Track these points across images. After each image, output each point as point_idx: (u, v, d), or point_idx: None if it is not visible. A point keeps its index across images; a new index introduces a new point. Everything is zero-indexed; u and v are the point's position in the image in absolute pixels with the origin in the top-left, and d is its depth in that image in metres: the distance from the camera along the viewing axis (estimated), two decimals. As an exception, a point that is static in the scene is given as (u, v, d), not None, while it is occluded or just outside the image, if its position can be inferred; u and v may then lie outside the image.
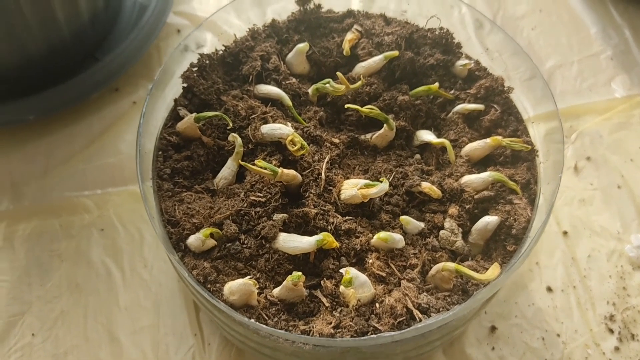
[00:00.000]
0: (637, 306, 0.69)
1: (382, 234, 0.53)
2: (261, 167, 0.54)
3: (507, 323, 0.68)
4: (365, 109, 0.58)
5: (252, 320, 0.48)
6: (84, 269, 0.70)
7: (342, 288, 0.52)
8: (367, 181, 0.55)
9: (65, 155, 0.76)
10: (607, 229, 0.74)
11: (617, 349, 0.67)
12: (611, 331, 0.68)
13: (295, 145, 0.56)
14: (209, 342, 0.66)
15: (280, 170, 0.54)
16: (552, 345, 0.67)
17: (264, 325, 0.47)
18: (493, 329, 0.68)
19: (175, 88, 0.62)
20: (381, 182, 0.55)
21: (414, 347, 0.55)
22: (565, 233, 0.74)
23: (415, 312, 0.49)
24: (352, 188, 0.56)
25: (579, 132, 0.81)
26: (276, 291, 0.52)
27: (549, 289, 0.70)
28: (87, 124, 0.79)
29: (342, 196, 0.56)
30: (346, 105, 0.59)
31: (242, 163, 0.55)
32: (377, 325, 0.50)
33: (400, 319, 0.50)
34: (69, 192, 0.74)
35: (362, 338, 0.47)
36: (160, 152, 0.58)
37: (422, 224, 0.56)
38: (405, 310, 0.50)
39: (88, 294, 0.69)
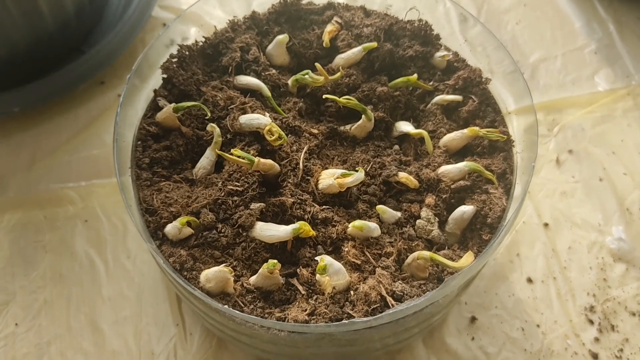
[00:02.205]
0: (618, 298, 0.70)
1: (357, 222, 0.53)
2: (238, 157, 0.54)
3: (488, 313, 0.69)
4: (342, 100, 0.58)
5: (227, 306, 0.48)
6: (67, 260, 0.71)
7: (317, 276, 0.53)
8: (344, 171, 0.56)
9: (50, 147, 0.77)
10: (588, 221, 0.75)
11: (597, 339, 0.68)
12: (591, 322, 0.69)
13: (273, 135, 0.56)
14: (191, 332, 0.67)
15: (257, 159, 0.54)
16: (532, 336, 0.68)
17: (239, 312, 0.48)
18: (473, 319, 0.68)
19: (157, 80, 0.63)
20: (357, 171, 0.55)
21: (390, 335, 0.55)
22: (546, 225, 0.74)
23: (389, 298, 0.50)
24: (330, 178, 0.56)
25: (562, 125, 0.81)
26: (252, 279, 0.53)
27: (530, 280, 0.71)
28: (72, 116, 0.79)
29: (320, 186, 0.57)
30: (324, 96, 0.59)
31: (219, 152, 0.55)
32: (351, 312, 0.50)
33: (375, 306, 0.50)
34: (54, 184, 0.75)
35: (336, 324, 0.47)
36: (139, 142, 0.58)
37: (398, 214, 0.57)
38: (379, 297, 0.51)
39: (72, 285, 0.69)
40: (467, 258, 0.52)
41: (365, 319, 0.47)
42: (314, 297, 0.52)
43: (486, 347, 0.67)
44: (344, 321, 0.48)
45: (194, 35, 0.67)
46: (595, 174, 0.78)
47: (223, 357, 0.66)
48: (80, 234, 0.72)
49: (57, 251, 0.71)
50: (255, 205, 0.55)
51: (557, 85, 0.85)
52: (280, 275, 0.53)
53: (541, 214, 0.75)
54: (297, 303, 0.52)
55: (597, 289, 0.71)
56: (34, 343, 0.66)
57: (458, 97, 0.62)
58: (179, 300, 0.68)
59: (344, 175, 0.55)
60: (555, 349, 0.67)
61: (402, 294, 0.51)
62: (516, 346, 0.67)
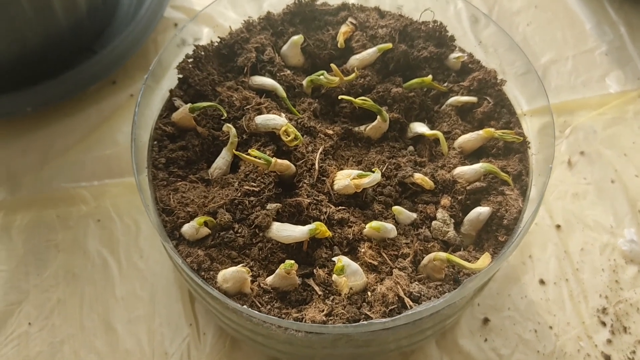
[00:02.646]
0: (630, 299, 0.70)
1: (374, 223, 0.53)
2: (255, 157, 0.54)
3: (500, 315, 0.69)
4: (358, 100, 0.58)
5: (245, 306, 0.48)
6: (80, 259, 0.71)
7: (334, 276, 0.53)
8: (360, 171, 0.56)
9: (62, 147, 0.77)
10: (600, 223, 0.75)
11: (609, 341, 0.68)
12: (603, 324, 0.69)
13: (289, 136, 0.57)
14: (204, 332, 0.67)
15: (274, 160, 0.54)
16: (545, 338, 0.68)
17: (257, 312, 0.48)
18: (486, 320, 0.68)
19: (170, 80, 0.63)
20: (374, 172, 0.55)
21: (406, 336, 0.55)
22: (558, 227, 0.74)
23: (407, 299, 0.50)
24: (346, 178, 0.56)
25: (573, 127, 0.81)
26: (269, 279, 0.53)
27: (542, 282, 0.71)
28: (84, 116, 0.79)
29: (336, 186, 0.57)
30: (340, 97, 0.59)
31: (236, 153, 0.55)
32: (368, 313, 0.50)
33: (392, 307, 0.50)
34: (67, 183, 0.75)
35: (354, 325, 0.47)
36: (155, 142, 0.58)
37: (414, 215, 0.57)
38: (396, 298, 0.51)
39: (84, 284, 0.69)
40: (484, 259, 0.52)
41: (384, 320, 0.47)
42: (331, 298, 0.52)
43: (499, 348, 0.67)
44: (362, 322, 0.48)
45: (206, 36, 0.67)
46: (607, 176, 0.78)
47: (237, 358, 0.66)
48: (92, 233, 0.72)
49: (69, 250, 0.71)
50: (271, 206, 0.55)
51: (568, 86, 0.85)
52: (296, 275, 0.53)
53: (553, 215, 0.75)
54: (313, 304, 0.52)
55: (609, 291, 0.71)
56: (47, 342, 0.67)
57: (473, 99, 0.62)
58: (192, 300, 0.68)
59: (360, 176, 0.55)
60: (568, 351, 0.67)
61: (419, 295, 0.51)
62: (529, 348, 0.67)
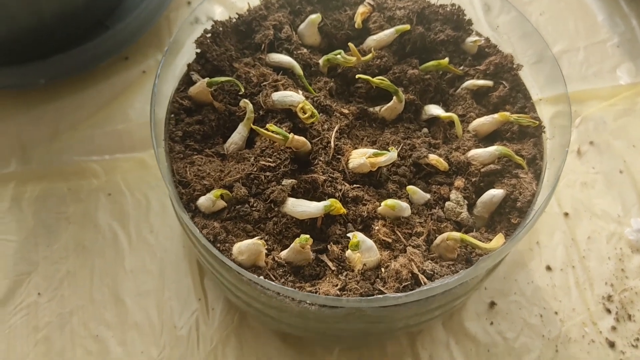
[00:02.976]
0: (635, 288, 0.71)
1: (390, 201, 0.54)
2: (273, 132, 0.54)
3: (506, 299, 0.69)
4: (376, 80, 0.58)
5: (262, 277, 0.49)
6: (90, 232, 0.71)
7: (348, 252, 0.53)
8: (376, 150, 0.56)
9: (74, 120, 0.77)
10: (607, 212, 0.75)
11: (614, 328, 0.68)
12: (608, 311, 0.69)
13: (305, 113, 0.57)
14: (213, 307, 0.67)
15: (291, 135, 0.55)
16: (550, 323, 0.68)
17: (273, 283, 0.48)
18: (492, 304, 0.69)
19: (183, 58, 0.62)
20: (390, 151, 0.55)
21: (416, 314, 0.55)
22: (566, 214, 0.75)
23: (421, 276, 0.50)
24: (361, 157, 0.57)
25: (583, 117, 0.82)
26: (284, 253, 0.53)
27: (549, 268, 0.72)
28: (96, 90, 0.79)
29: (350, 165, 0.57)
30: (357, 76, 0.60)
31: (254, 127, 0.55)
32: (382, 288, 0.51)
33: (405, 284, 0.51)
34: (78, 157, 0.75)
35: (368, 298, 0.48)
36: (172, 115, 0.58)
37: (428, 195, 0.57)
38: (410, 275, 0.51)
39: (94, 256, 0.70)
40: (498, 240, 0.53)
41: (398, 294, 0.48)
42: (344, 274, 0.52)
43: (504, 332, 0.68)
44: (377, 296, 0.48)
45: (219, 15, 0.67)
46: (615, 166, 0.78)
47: (245, 333, 0.66)
48: (103, 207, 0.72)
49: (80, 223, 0.71)
50: (287, 181, 0.55)
51: (579, 77, 0.86)
52: (310, 251, 0.53)
53: (562, 203, 0.76)
54: (327, 279, 0.53)
55: (614, 279, 0.71)
56: (56, 313, 0.67)
57: (489, 82, 0.62)
58: (202, 275, 0.69)
59: (376, 155, 0.55)
60: (572, 336, 0.68)
61: (432, 273, 0.52)
62: (534, 332, 0.68)
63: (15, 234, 0.71)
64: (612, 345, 0.67)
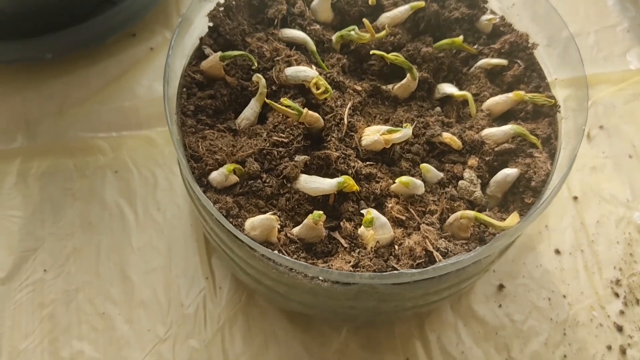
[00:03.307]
0: (643, 272, 0.70)
1: (404, 178, 0.53)
2: (286, 107, 0.54)
3: (515, 282, 0.69)
4: (390, 56, 0.58)
5: (276, 252, 0.48)
6: (97, 209, 0.70)
7: (361, 229, 0.53)
8: (390, 127, 0.56)
9: (81, 96, 0.76)
10: (616, 196, 0.75)
11: (622, 312, 0.68)
12: (617, 295, 0.69)
13: (319, 89, 0.56)
14: (220, 286, 0.67)
15: (305, 110, 0.54)
16: (558, 306, 0.68)
17: (287, 258, 0.48)
18: (501, 287, 0.69)
19: (194, 34, 0.61)
20: (404, 127, 0.55)
21: (425, 293, 0.55)
22: (575, 198, 0.75)
23: (435, 253, 0.50)
24: (374, 134, 0.56)
25: (593, 101, 0.81)
26: (296, 230, 0.53)
27: (557, 252, 0.71)
28: (103, 67, 0.78)
29: (364, 142, 0.57)
30: (372, 52, 0.59)
31: (267, 101, 0.55)
32: (395, 265, 0.50)
33: (419, 261, 0.50)
34: (84, 133, 0.74)
35: (383, 274, 0.47)
36: (184, 90, 0.57)
37: (441, 174, 0.57)
38: (424, 252, 0.51)
39: (101, 233, 0.69)
40: (513, 218, 0.52)
41: (414, 270, 0.47)
42: (357, 251, 0.52)
43: (512, 314, 0.68)
44: (392, 272, 0.48)
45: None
46: (625, 151, 0.78)
47: (252, 312, 0.66)
48: (110, 183, 0.72)
49: (86, 200, 0.71)
50: (300, 158, 0.55)
51: (589, 61, 0.85)
52: (323, 227, 0.53)
53: (571, 187, 0.75)
54: (339, 256, 0.52)
55: (623, 263, 0.71)
56: (62, 289, 0.66)
57: (503, 61, 0.62)
58: (209, 254, 0.68)
59: (390, 132, 0.55)
60: (580, 320, 0.68)
61: (446, 251, 0.51)
62: (542, 315, 0.68)
63: (21, 209, 0.70)
64: (620, 329, 0.67)
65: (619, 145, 0.78)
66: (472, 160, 0.57)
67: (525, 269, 0.70)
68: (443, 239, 0.52)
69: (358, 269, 0.50)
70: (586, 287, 0.69)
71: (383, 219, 0.52)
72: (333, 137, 0.56)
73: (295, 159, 0.55)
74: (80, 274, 0.67)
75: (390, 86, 0.62)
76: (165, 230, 0.70)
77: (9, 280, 0.66)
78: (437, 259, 0.50)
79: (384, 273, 0.48)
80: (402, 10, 0.62)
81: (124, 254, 0.68)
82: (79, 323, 0.65)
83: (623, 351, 0.66)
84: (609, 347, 0.66)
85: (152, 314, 0.65)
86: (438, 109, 0.62)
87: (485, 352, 0.65)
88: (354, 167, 0.55)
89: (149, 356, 0.64)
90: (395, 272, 0.47)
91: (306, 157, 0.55)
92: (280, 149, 0.55)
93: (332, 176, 0.55)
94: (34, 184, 0.71)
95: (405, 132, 0.54)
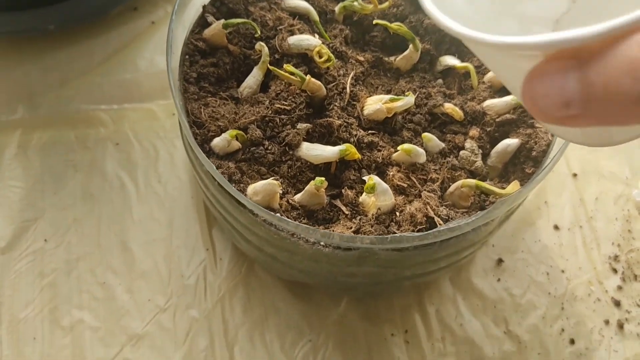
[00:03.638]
0: (641, 249, 0.71)
1: (406, 146, 0.53)
2: (290, 73, 0.54)
3: (514, 257, 0.70)
4: (394, 25, 0.58)
5: (278, 215, 0.48)
6: (98, 180, 0.70)
7: (362, 197, 0.53)
8: (392, 96, 0.56)
9: (82, 68, 0.76)
10: (615, 174, 0.75)
11: (619, 287, 0.69)
12: (615, 271, 0.70)
13: (321, 57, 0.56)
14: (221, 257, 0.67)
15: (307, 77, 0.54)
16: (556, 280, 0.69)
17: (290, 221, 0.48)
18: (500, 261, 0.69)
19: (195, 5, 0.61)
20: (407, 96, 0.55)
21: (425, 261, 0.55)
22: (574, 175, 0.75)
23: (437, 219, 0.50)
24: (377, 103, 0.56)
25: (594, 80, 0.82)
26: (298, 197, 0.53)
27: (556, 227, 0.72)
28: (105, 39, 0.78)
29: (366, 112, 0.57)
30: (375, 21, 0.59)
31: (271, 68, 0.55)
32: (397, 231, 0.51)
33: (420, 227, 0.51)
34: (86, 105, 0.74)
35: (384, 237, 0.47)
36: (187, 57, 0.57)
37: (442, 144, 0.57)
38: (425, 219, 0.51)
39: (102, 205, 0.69)
40: (513, 186, 0.53)
41: (416, 234, 0.48)
42: (358, 218, 0.52)
43: (511, 288, 0.68)
44: (394, 235, 0.48)
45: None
46: (625, 129, 0.78)
47: (252, 282, 0.66)
48: (111, 155, 0.72)
49: (87, 171, 0.71)
50: (302, 125, 0.55)
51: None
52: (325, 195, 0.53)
53: (570, 164, 0.75)
54: (341, 222, 0.52)
55: (621, 240, 0.71)
56: (63, 259, 0.66)
57: (505, 34, 0.62)
58: (210, 226, 0.68)
59: (392, 100, 0.55)
60: (578, 294, 0.68)
61: (447, 218, 0.52)
62: (541, 289, 0.68)
63: (21, 180, 0.70)
64: (617, 304, 0.68)
65: (619, 123, 0.79)
66: (474, 131, 0.57)
67: (524, 244, 0.70)
68: (444, 207, 0.53)
69: (359, 235, 0.50)
70: (584, 262, 0.70)
71: (385, 185, 0.52)
72: (335, 105, 0.56)
73: (298, 126, 0.55)
74: (81, 244, 0.67)
75: (392, 58, 0.62)
76: (166, 202, 0.70)
77: (9, 250, 0.67)
78: (438, 224, 0.50)
79: (385, 237, 0.48)
80: (405, -18, 0.62)
81: (125, 225, 0.68)
82: (79, 292, 0.65)
83: (620, 325, 0.67)
84: (607, 322, 0.67)
85: (153, 284, 0.66)
86: (440, 80, 0.62)
87: (483, 325, 0.66)
88: (355, 135, 0.55)
89: (149, 325, 0.64)
90: (396, 235, 0.48)
91: (308, 125, 0.55)
92: (283, 116, 0.55)
93: (334, 144, 0.55)
94: (34, 156, 0.71)
95: (408, 100, 0.55)
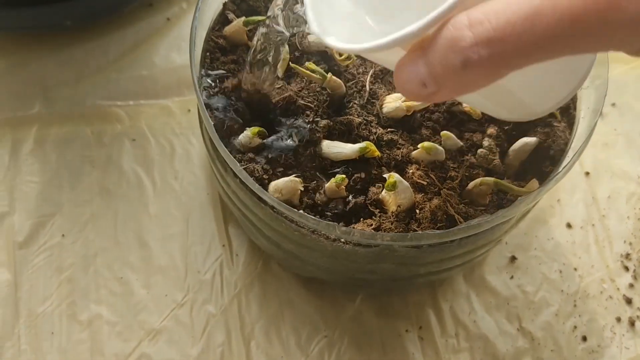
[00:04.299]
0: (653, 247, 0.72)
1: (427, 144, 0.54)
2: (311, 71, 0.54)
3: (527, 255, 0.70)
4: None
5: (300, 211, 0.49)
6: (115, 176, 0.71)
7: (382, 194, 0.53)
8: (412, 94, 0.56)
9: (99, 65, 0.76)
10: (627, 172, 0.76)
11: (631, 285, 0.69)
12: (626, 269, 0.70)
13: (341, 55, 0.57)
14: (237, 253, 0.68)
15: (329, 75, 0.55)
16: (569, 278, 0.69)
17: (312, 217, 0.48)
18: (513, 259, 0.70)
19: (215, 3, 0.62)
20: (427, 94, 0.55)
21: (441, 259, 0.56)
22: (587, 174, 0.75)
23: (457, 216, 0.51)
24: (396, 101, 0.56)
25: (604, 79, 0.81)
26: (319, 194, 0.53)
27: (569, 226, 0.72)
28: (121, 36, 0.78)
29: (385, 109, 0.57)
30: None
31: (292, 65, 0.55)
32: (417, 229, 0.51)
33: (440, 225, 0.51)
34: (102, 101, 0.74)
35: (405, 234, 0.48)
36: (207, 54, 0.58)
37: (460, 142, 0.57)
38: (445, 217, 0.52)
39: (118, 200, 0.70)
40: (532, 185, 0.53)
41: (438, 231, 0.48)
42: (378, 215, 0.53)
43: (524, 285, 0.69)
44: (415, 232, 0.49)
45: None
46: (636, 128, 0.79)
47: (268, 279, 0.67)
48: (127, 151, 0.72)
49: (104, 167, 0.71)
50: (322, 122, 0.55)
51: (602, 40, 0.86)
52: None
53: (583, 163, 0.76)
54: (361, 219, 0.53)
55: (633, 238, 0.72)
56: (80, 254, 0.67)
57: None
58: (226, 222, 0.69)
59: (412, 98, 0.55)
60: (590, 292, 0.69)
61: (466, 215, 0.52)
62: (553, 287, 0.69)
63: (38, 175, 0.70)
64: (629, 301, 0.68)
65: (631, 122, 0.79)
66: (492, 129, 0.58)
67: (537, 241, 0.71)
68: (462, 205, 0.53)
69: (380, 232, 0.51)
70: (597, 260, 0.70)
71: (405, 183, 0.52)
72: (355, 103, 0.57)
73: (319, 124, 0.55)
74: (99, 239, 0.68)
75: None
76: (183, 198, 0.70)
77: (27, 245, 0.67)
78: (458, 222, 0.50)
79: (405, 234, 0.48)
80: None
81: (142, 221, 0.69)
82: (97, 287, 0.66)
83: (632, 323, 0.67)
84: (618, 319, 0.68)
85: (170, 279, 0.66)
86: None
87: (496, 321, 0.66)
88: (375, 133, 0.56)
89: (166, 320, 0.65)
90: (417, 233, 0.48)
91: (329, 122, 0.55)
92: (307, 112, 0.55)
93: (354, 142, 0.55)
94: (51, 151, 0.72)
95: (427, 100, 0.55)
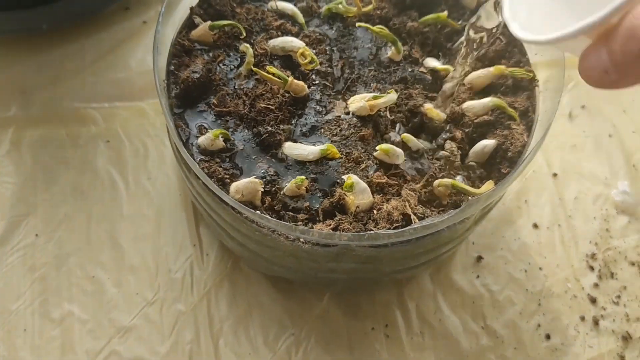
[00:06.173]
0: (618, 247, 0.73)
1: (384, 146, 0.55)
2: (273, 75, 0.55)
3: (493, 254, 0.71)
4: (375, 28, 0.59)
5: (259, 212, 0.50)
6: (89, 177, 0.72)
7: (341, 193, 0.54)
8: (375, 94, 0.57)
9: (75, 68, 0.77)
10: (595, 174, 0.77)
11: (596, 285, 0.70)
12: (592, 268, 0.71)
13: (305, 59, 0.58)
14: (207, 253, 0.69)
15: (290, 79, 0.56)
16: (534, 277, 0.70)
17: (271, 219, 0.50)
18: (479, 258, 0.71)
19: (184, 6, 0.63)
20: (389, 93, 0.57)
21: (403, 257, 0.57)
22: (555, 175, 0.77)
23: (413, 216, 0.52)
24: (360, 100, 0.58)
25: (576, 82, 0.83)
26: (279, 194, 0.55)
27: (535, 226, 0.73)
28: (98, 39, 0.80)
29: (350, 109, 0.58)
30: (357, 24, 0.61)
31: (254, 69, 0.56)
32: (374, 229, 0.52)
33: (397, 225, 0.52)
34: (78, 103, 0.76)
35: (360, 234, 0.49)
36: (174, 57, 0.59)
37: (421, 144, 0.59)
38: (401, 217, 0.53)
39: (92, 201, 0.71)
40: (487, 185, 0.54)
41: (388, 231, 0.49)
42: (337, 215, 0.54)
43: (490, 285, 0.70)
44: (368, 232, 0.50)
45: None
46: (605, 131, 0.80)
47: (238, 279, 0.68)
48: (102, 153, 0.73)
49: (78, 168, 0.72)
50: (284, 126, 0.57)
51: (573, 44, 0.87)
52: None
53: (551, 164, 0.77)
54: (321, 220, 0.54)
55: (599, 238, 0.73)
56: (53, 254, 0.68)
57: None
58: (197, 222, 0.70)
59: (375, 98, 0.57)
60: (555, 291, 0.70)
61: (423, 216, 0.53)
62: (518, 286, 0.70)
63: (14, 176, 0.71)
64: (593, 301, 0.70)
65: (600, 124, 0.80)
66: (457, 133, 0.59)
67: (504, 241, 0.72)
68: (421, 206, 0.55)
69: (338, 232, 0.52)
70: (562, 260, 0.72)
71: (363, 184, 0.54)
72: (319, 105, 0.58)
73: (280, 127, 0.56)
74: (72, 239, 0.69)
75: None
76: (155, 199, 0.71)
77: (1, 244, 0.68)
78: (413, 222, 0.52)
79: (362, 233, 0.50)
80: (388, -15, 0.64)
81: (115, 222, 0.70)
82: (69, 286, 0.67)
83: (596, 322, 0.69)
84: (582, 318, 0.69)
85: (141, 278, 0.67)
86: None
87: (462, 320, 0.68)
88: (337, 134, 0.57)
89: (136, 318, 0.66)
90: (372, 232, 0.49)
91: (290, 126, 0.57)
92: (267, 116, 0.56)
93: (318, 142, 0.56)
94: (27, 152, 0.73)
95: (390, 97, 0.56)
